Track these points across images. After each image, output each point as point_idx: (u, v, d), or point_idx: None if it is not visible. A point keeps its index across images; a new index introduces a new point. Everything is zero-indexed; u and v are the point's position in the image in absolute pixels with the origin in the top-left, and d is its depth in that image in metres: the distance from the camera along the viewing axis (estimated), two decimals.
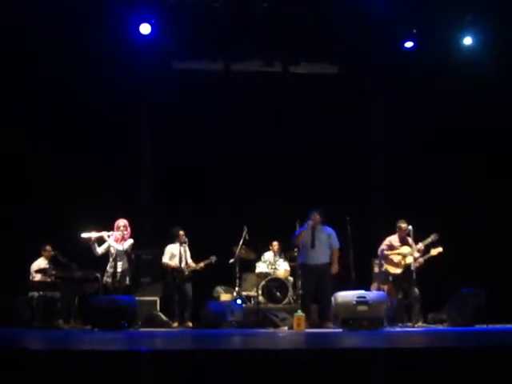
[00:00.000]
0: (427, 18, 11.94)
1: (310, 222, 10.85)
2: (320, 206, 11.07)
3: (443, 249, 10.61)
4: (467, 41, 12.36)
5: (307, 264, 10.85)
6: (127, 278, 10.67)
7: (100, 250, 10.62)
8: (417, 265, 10.61)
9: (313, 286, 10.77)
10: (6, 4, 10.83)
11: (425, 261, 10.66)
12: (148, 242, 12.51)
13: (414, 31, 12.39)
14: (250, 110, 13.20)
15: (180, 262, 11.65)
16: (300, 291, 12.12)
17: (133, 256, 11.05)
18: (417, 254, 10.62)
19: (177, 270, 11.61)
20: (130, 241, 10.76)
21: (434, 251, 10.62)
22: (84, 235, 10.45)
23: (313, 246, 10.82)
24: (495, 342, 5.23)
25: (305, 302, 10.76)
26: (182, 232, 11.79)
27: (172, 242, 11.83)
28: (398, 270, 10.70)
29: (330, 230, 10.99)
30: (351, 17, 11.85)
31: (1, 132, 11.79)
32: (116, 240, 10.66)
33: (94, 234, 10.49)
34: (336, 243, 10.88)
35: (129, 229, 10.76)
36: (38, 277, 11.13)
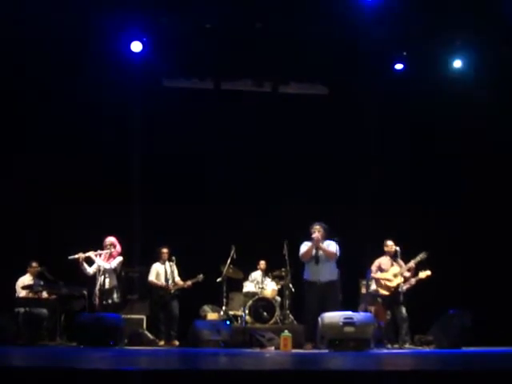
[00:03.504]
0: (417, 40, 12.05)
1: (317, 235, 10.15)
2: (322, 221, 10.50)
3: (431, 270, 10.67)
4: (457, 64, 12.48)
5: (311, 281, 10.16)
6: (115, 296, 10.65)
7: (91, 269, 10.62)
8: (408, 286, 10.67)
9: (316, 303, 10.00)
10: None
11: (416, 282, 10.70)
12: (137, 260, 12.46)
13: (404, 53, 12.50)
14: (239, 129, 13.24)
15: (166, 280, 11.62)
16: (287, 311, 12.17)
17: (123, 274, 11.06)
18: (407, 274, 10.66)
19: (163, 289, 11.57)
20: (119, 258, 10.77)
21: (423, 274, 10.66)
22: (71, 257, 10.44)
23: (317, 262, 10.15)
24: (480, 365, 5.23)
25: (308, 322, 10.09)
26: (164, 250, 11.76)
27: (158, 260, 11.82)
28: (388, 292, 10.70)
29: (333, 243, 10.23)
30: (342, 38, 11.94)
31: None
32: (105, 258, 10.66)
33: (81, 255, 10.49)
34: (337, 251, 10.13)
35: (118, 246, 10.77)
36: (23, 293, 11.08)
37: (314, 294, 10.09)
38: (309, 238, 10.28)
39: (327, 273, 10.16)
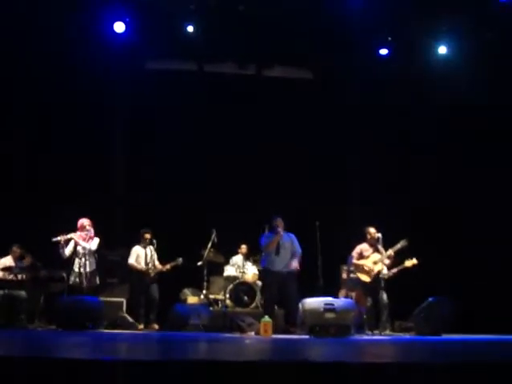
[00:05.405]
0: (403, 26, 12.00)
1: (280, 229, 10.69)
2: (280, 212, 10.96)
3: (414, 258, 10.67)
4: (442, 50, 12.45)
5: (271, 270, 10.72)
6: (97, 278, 10.67)
7: (67, 251, 10.54)
8: (390, 274, 10.67)
9: (276, 291, 10.68)
10: None
11: (398, 271, 10.70)
12: (118, 243, 12.36)
13: (389, 39, 12.44)
14: (222, 111, 13.15)
15: (146, 263, 11.53)
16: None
17: (102, 256, 11.00)
18: (387, 261, 10.64)
19: (143, 272, 11.49)
20: (97, 240, 10.73)
21: (409, 263, 10.66)
22: (54, 239, 10.35)
23: (277, 252, 10.69)
24: (462, 356, 5.21)
25: (268, 307, 10.69)
26: (147, 234, 11.66)
27: (139, 243, 11.72)
28: (369, 278, 10.69)
29: (292, 235, 10.91)
30: (327, 23, 11.86)
31: None
32: (84, 240, 10.58)
33: (63, 237, 10.41)
34: (299, 249, 10.83)
35: (92, 228, 10.70)
36: (3, 275, 11.00)
37: (274, 282, 10.69)
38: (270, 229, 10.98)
39: (288, 264, 10.70)
